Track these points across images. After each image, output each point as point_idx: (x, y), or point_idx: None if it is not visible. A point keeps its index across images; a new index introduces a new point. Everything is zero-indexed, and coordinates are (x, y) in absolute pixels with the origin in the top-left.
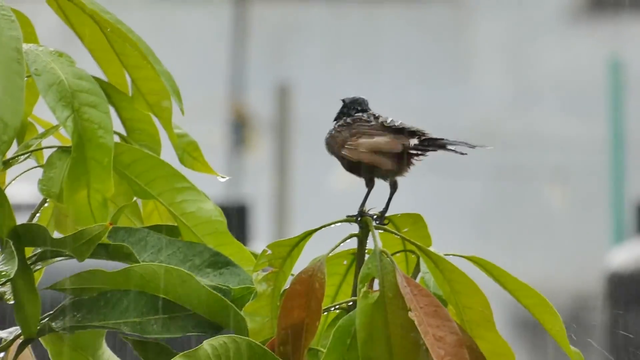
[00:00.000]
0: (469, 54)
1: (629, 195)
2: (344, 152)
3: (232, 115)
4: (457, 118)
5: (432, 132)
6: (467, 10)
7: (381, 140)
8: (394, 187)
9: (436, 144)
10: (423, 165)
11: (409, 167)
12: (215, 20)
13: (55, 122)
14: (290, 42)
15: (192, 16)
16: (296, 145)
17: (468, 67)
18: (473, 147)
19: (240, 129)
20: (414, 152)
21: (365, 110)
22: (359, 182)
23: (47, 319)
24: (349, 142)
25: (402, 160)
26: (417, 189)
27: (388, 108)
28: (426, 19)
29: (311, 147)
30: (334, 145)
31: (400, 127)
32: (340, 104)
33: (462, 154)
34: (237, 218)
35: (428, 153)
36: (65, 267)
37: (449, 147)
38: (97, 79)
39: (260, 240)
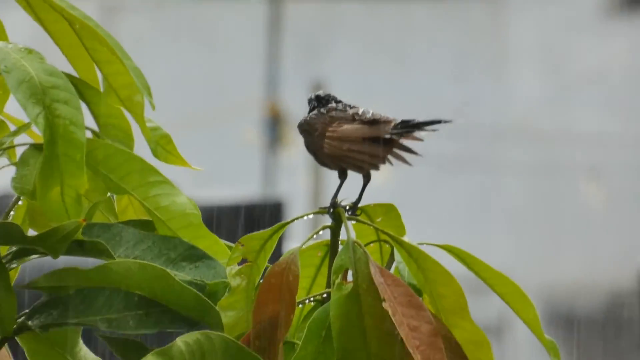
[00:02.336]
0: (504, 51)
1: None
2: (326, 140)
3: (267, 113)
4: (493, 116)
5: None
6: (502, 7)
7: (364, 127)
8: (367, 178)
9: (410, 125)
10: (457, 163)
11: (388, 158)
12: (250, 19)
13: (26, 120)
14: (324, 39)
15: (227, 15)
16: None
17: (504, 64)
18: (447, 122)
19: (275, 126)
20: (392, 136)
21: (336, 101)
22: (396, 177)
23: (23, 317)
24: (329, 129)
25: (382, 150)
26: (455, 187)
27: (422, 105)
28: (461, 16)
29: None
30: (311, 130)
31: (372, 117)
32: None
33: (433, 130)
34: (273, 215)
35: (408, 142)
36: (43, 264)
37: (425, 127)
38: (67, 75)
39: (296, 238)
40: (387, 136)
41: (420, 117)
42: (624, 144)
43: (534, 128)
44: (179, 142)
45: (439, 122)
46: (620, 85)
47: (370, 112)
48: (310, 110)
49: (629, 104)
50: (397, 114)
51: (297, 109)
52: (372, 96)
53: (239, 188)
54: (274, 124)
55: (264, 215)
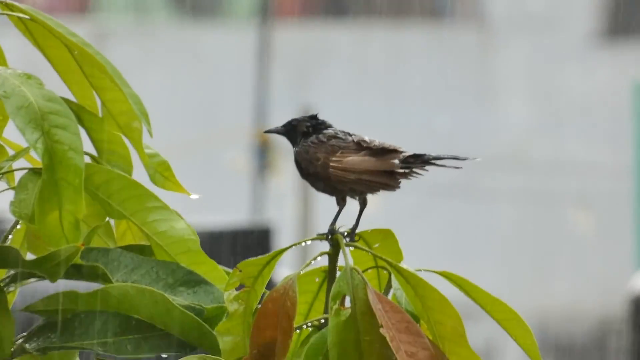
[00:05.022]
0: (493, 79)
1: None
2: (331, 170)
3: (256, 140)
4: (482, 143)
5: (427, 152)
6: (492, 36)
7: (372, 159)
8: (363, 204)
9: (422, 160)
10: (448, 191)
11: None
12: (240, 46)
13: (25, 145)
14: (313, 66)
15: (216, 42)
16: None
17: (493, 92)
18: (463, 159)
19: (264, 153)
20: (402, 170)
21: (331, 127)
22: (384, 206)
23: (21, 340)
24: (333, 159)
25: (393, 179)
26: (444, 214)
27: (411, 132)
28: (451, 45)
29: None
30: (313, 159)
31: (381, 146)
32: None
33: (456, 167)
34: (261, 241)
35: (416, 170)
36: (41, 287)
37: (436, 162)
38: (66, 101)
39: (284, 263)
40: (399, 170)
41: (412, 145)
42: (613, 172)
43: (524, 156)
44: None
45: (452, 158)
46: (608, 113)
47: (377, 140)
48: (303, 136)
49: (617, 131)
50: (387, 142)
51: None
52: (361, 123)
53: (228, 214)
54: (263, 150)
55: (252, 241)
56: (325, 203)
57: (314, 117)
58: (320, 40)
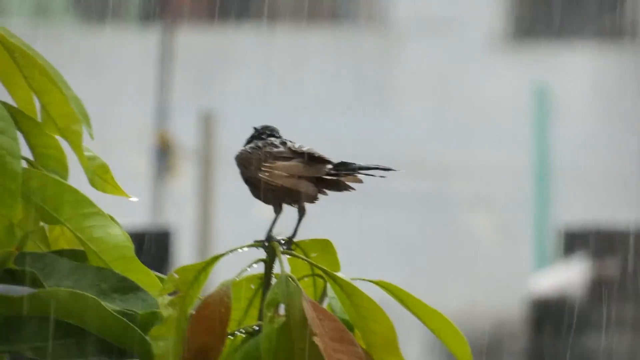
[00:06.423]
0: (395, 83)
1: (553, 223)
2: (261, 175)
3: (157, 143)
4: (383, 147)
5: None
6: (395, 40)
7: (300, 165)
8: (302, 213)
9: (350, 169)
10: (349, 194)
11: (322, 194)
12: (141, 49)
13: None
14: (216, 70)
15: (118, 44)
16: (220, 173)
17: (394, 96)
18: (387, 170)
19: (164, 156)
20: (329, 177)
21: (275, 136)
22: (288, 211)
23: None
24: (264, 165)
25: (317, 186)
26: (343, 218)
27: (314, 137)
28: (354, 49)
29: (235, 175)
30: (247, 164)
31: (310, 152)
32: (252, 131)
33: (381, 176)
34: (160, 245)
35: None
36: None
37: (364, 171)
38: (4, 104)
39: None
40: (326, 177)
41: (335, 155)
42: (513, 175)
43: (426, 161)
44: (81, 170)
45: (380, 168)
46: (509, 117)
47: (306, 148)
48: (248, 143)
49: (518, 135)
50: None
51: (187, 139)
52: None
53: (127, 217)
54: (163, 154)
55: (152, 244)
56: (227, 207)
57: (267, 127)
58: (224, 44)
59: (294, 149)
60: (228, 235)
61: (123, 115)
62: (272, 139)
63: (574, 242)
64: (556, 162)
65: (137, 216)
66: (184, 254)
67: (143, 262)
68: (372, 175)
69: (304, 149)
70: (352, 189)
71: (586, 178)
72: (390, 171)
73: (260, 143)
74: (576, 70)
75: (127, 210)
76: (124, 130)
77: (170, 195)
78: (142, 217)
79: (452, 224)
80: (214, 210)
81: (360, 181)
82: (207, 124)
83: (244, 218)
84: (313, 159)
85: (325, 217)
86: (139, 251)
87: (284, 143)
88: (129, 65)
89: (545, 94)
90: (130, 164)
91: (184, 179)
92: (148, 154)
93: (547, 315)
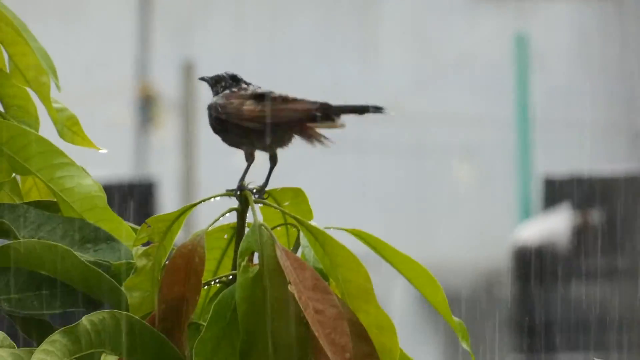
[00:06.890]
0: (375, 32)
1: (535, 171)
2: (246, 115)
3: (138, 94)
4: (363, 97)
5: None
6: None
7: (297, 105)
8: (273, 161)
9: (337, 110)
10: (332, 144)
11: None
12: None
13: None
14: (195, 19)
15: None
16: (202, 123)
17: (375, 46)
18: (378, 109)
19: (147, 108)
20: (320, 114)
21: (245, 82)
22: (265, 161)
23: None
24: (246, 108)
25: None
26: (323, 166)
27: (294, 86)
28: None
29: None
30: (221, 110)
31: (284, 96)
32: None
33: (374, 111)
34: (144, 196)
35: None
36: None
37: (349, 113)
38: None
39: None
40: (318, 113)
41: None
42: (495, 124)
43: (406, 110)
44: (50, 122)
45: (370, 109)
46: (490, 66)
47: (277, 92)
48: (218, 92)
49: (499, 84)
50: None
51: (169, 90)
52: (244, 76)
53: (110, 169)
54: (146, 104)
55: (136, 196)
56: (209, 158)
57: (235, 76)
58: None
59: (275, 93)
60: (211, 185)
61: (104, 67)
62: (244, 85)
63: (557, 191)
64: (538, 111)
65: (120, 167)
66: (167, 205)
67: (127, 213)
68: (360, 114)
69: (276, 93)
70: (324, 143)
71: (568, 127)
72: (378, 113)
73: (235, 89)
74: (557, 19)
75: (110, 161)
76: (106, 82)
77: (153, 146)
78: (125, 169)
79: (434, 174)
80: (197, 161)
81: (341, 126)
82: (188, 73)
83: (227, 168)
84: (296, 101)
85: (307, 166)
86: (124, 202)
87: (257, 88)
88: (108, 15)
89: (526, 44)
90: (113, 115)
91: (167, 130)
92: (130, 105)
93: (531, 264)
